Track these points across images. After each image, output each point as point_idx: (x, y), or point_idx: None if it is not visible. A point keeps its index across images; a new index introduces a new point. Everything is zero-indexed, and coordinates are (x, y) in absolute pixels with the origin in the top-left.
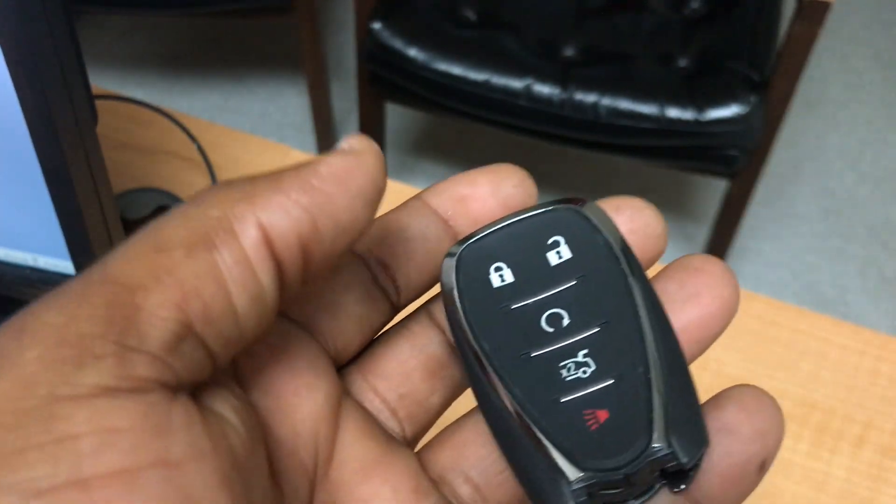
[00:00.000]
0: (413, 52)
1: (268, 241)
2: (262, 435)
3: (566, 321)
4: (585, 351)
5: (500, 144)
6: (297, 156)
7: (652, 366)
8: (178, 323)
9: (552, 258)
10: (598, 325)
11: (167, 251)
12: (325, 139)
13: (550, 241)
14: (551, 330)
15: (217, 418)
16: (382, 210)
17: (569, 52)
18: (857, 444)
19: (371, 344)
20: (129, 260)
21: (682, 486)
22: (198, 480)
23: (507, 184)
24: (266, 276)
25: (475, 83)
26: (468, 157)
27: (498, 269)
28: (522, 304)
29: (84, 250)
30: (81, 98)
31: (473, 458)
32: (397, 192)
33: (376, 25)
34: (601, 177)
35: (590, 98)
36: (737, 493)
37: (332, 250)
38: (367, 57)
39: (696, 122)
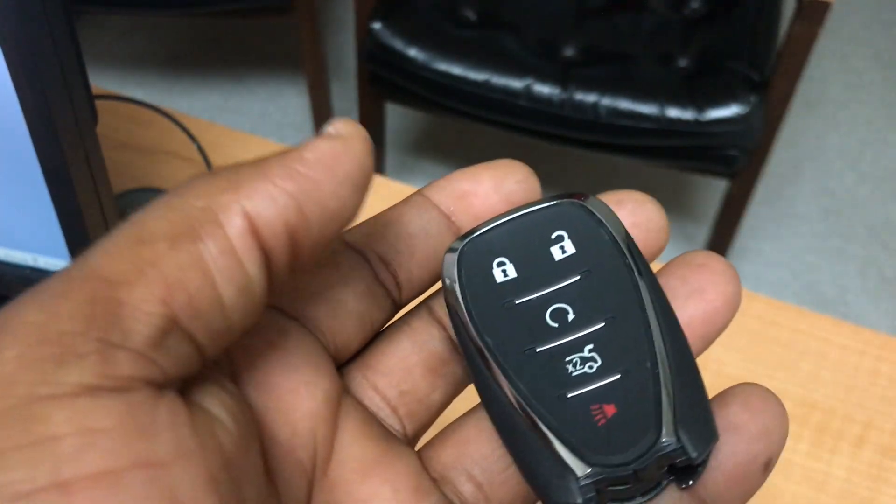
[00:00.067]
0: (413, 52)
1: (254, 230)
2: (256, 433)
3: (571, 316)
4: (591, 346)
5: (500, 144)
6: None
7: (659, 360)
8: (163, 317)
9: (556, 253)
10: (603, 320)
11: (150, 244)
12: None
13: (554, 235)
14: (556, 325)
15: (206, 416)
16: (382, 208)
17: (569, 52)
18: (857, 444)
19: (371, 341)
20: (110, 254)
21: (690, 482)
22: (184, 481)
23: (510, 180)
24: (253, 265)
25: (475, 83)
26: (468, 157)
27: (501, 264)
28: (526, 299)
29: (84, 251)
30: (81, 98)
31: (476, 455)
32: (397, 193)
33: (376, 25)
34: (601, 177)
35: (590, 98)
36: (742, 492)
37: (320, 238)
38: (367, 57)
39: (696, 122)
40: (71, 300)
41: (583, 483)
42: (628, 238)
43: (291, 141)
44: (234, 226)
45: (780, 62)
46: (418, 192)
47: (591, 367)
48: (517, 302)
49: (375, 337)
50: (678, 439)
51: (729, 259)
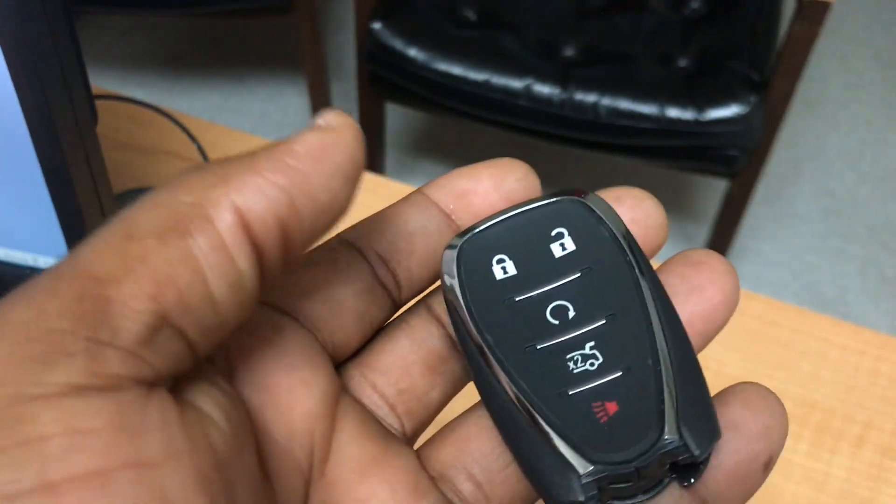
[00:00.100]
0: (413, 52)
1: (244, 225)
2: (250, 432)
3: (572, 313)
4: (592, 343)
5: (500, 144)
6: None
7: (661, 357)
8: (153, 314)
9: (556, 250)
10: (604, 317)
11: (139, 240)
12: None
13: (554, 232)
14: (557, 322)
15: (198, 414)
16: (382, 206)
17: (569, 52)
18: (857, 444)
19: (370, 339)
20: (99, 251)
21: (692, 480)
22: (174, 481)
23: (510, 178)
24: (244, 260)
25: (475, 83)
26: (468, 157)
27: (500, 261)
28: (527, 296)
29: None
30: (81, 98)
31: (476, 453)
32: (397, 193)
33: (376, 25)
34: (601, 177)
35: (590, 98)
36: (743, 490)
37: (312, 231)
38: (367, 57)
39: (696, 122)
40: (59, 298)
41: (584, 481)
42: (628, 235)
43: None
44: (224, 220)
45: (780, 62)
46: (418, 191)
47: (592, 365)
48: (517, 299)
49: (374, 335)
50: (681, 437)
51: (729, 259)
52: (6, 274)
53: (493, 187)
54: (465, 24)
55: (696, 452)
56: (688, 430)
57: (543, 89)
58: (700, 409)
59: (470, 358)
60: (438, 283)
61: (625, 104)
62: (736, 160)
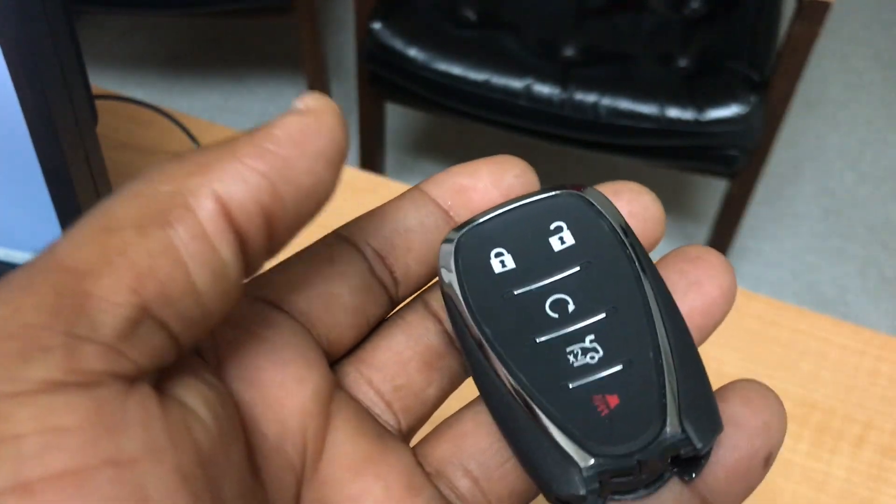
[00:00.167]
0: (413, 52)
1: (226, 213)
2: (238, 428)
3: (572, 307)
4: (592, 336)
5: (500, 144)
6: None
7: (662, 351)
8: (133, 307)
9: (555, 244)
10: (605, 311)
11: (117, 231)
12: None
13: (553, 226)
14: (556, 316)
15: (182, 410)
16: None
17: (569, 52)
18: (857, 444)
19: (366, 336)
20: (77, 244)
21: (693, 475)
22: (154, 479)
23: (508, 174)
24: (227, 249)
25: (475, 83)
26: (468, 157)
27: (499, 254)
28: (526, 289)
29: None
30: (81, 98)
31: (473, 449)
32: (397, 193)
33: (376, 25)
34: (601, 177)
35: (590, 98)
36: (743, 487)
37: (296, 217)
38: (367, 57)
39: (696, 122)
40: (35, 292)
41: (586, 474)
42: (628, 228)
43: None
44: (205, 209)
45: (780, 62)
46: (416, 187)
47: (592, 358)
48: (516, 293)
49: (370, 332)
50: (683, 430)
51: (729, 259)
52: (6, 274)
53: (492, 183)
54: (465, 24)
55: (699, 445)
56: (690, 423)
57: (543, 89)
58: (702, 403)
59: (468, 352)
60: (436, 279)
61: (625, 104)
62: (736, 160)
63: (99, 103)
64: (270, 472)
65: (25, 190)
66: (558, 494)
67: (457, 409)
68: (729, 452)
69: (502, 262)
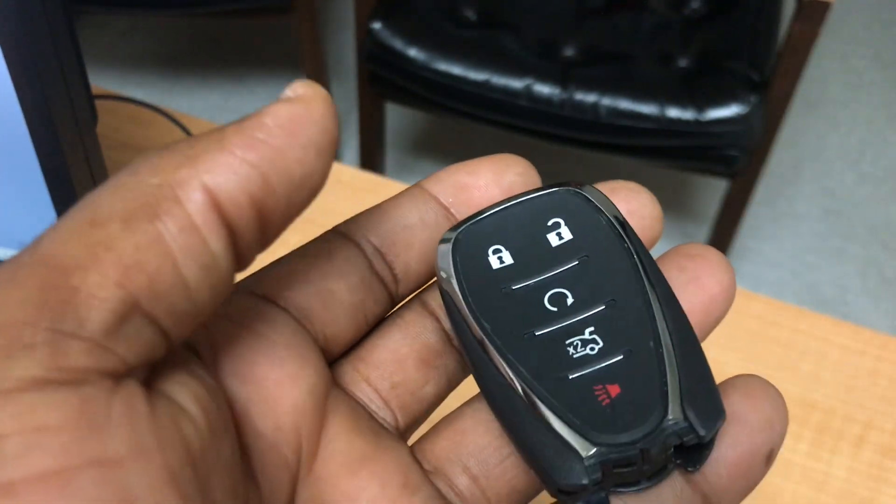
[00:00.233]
0: (413, 52)
1: (216, 205)
2: (230, 426)
3: (570, 300)
4: (592, 328)
5: (500, 144)
6: None
7: (663, 340)
8: (121, 302)
9: (553, 239)
10: (603, 303)
11: (103, 225)
12: None
13: (550, 222)
14: (555, 309)
15: (171, 407)
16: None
17: (569, 52)
18: (857, 444)
19: (365, 334)
20: (62, 238)
21: (697, 466)
22: (140, 479)
23: (510, 172)
24: (217, 241)
25: (475, 83)
26: (468, 157)
27: (497, 251)
28: (524, 284)
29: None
30: (81, 98)
31: (472, 446)
32: (397, 192)
33: (376, 25)
34: (601, 177)
35: (590, 98)
36: (744, 484)
37: (288, 208)
38: (367, 57)
39: (696, 122)
40: (20, 288)
41: (588, 463)
42: (625, 223)
43: None
44: (194, 201)
45: (780, 62)
46: (416, 185)
47: (592, 349)
48: (514, 288)
49: (369, 331)
50: (685, 417)
51: (729, 259)
52: None
53: (493, 181)
54: (465, 24)
55: (702, 433)
56: (692, 410)
57: (543, 89)
58: (704, 390)
59: (468, 348)
60: (435, 278)
61: (625, 104)
62: (736, 160)
63: (99, 103)
64: (265, 470)
65: (25, 190)
66: (560, 485)
67: (454, 407)
68: (730, 449)
69: (500, 258)
